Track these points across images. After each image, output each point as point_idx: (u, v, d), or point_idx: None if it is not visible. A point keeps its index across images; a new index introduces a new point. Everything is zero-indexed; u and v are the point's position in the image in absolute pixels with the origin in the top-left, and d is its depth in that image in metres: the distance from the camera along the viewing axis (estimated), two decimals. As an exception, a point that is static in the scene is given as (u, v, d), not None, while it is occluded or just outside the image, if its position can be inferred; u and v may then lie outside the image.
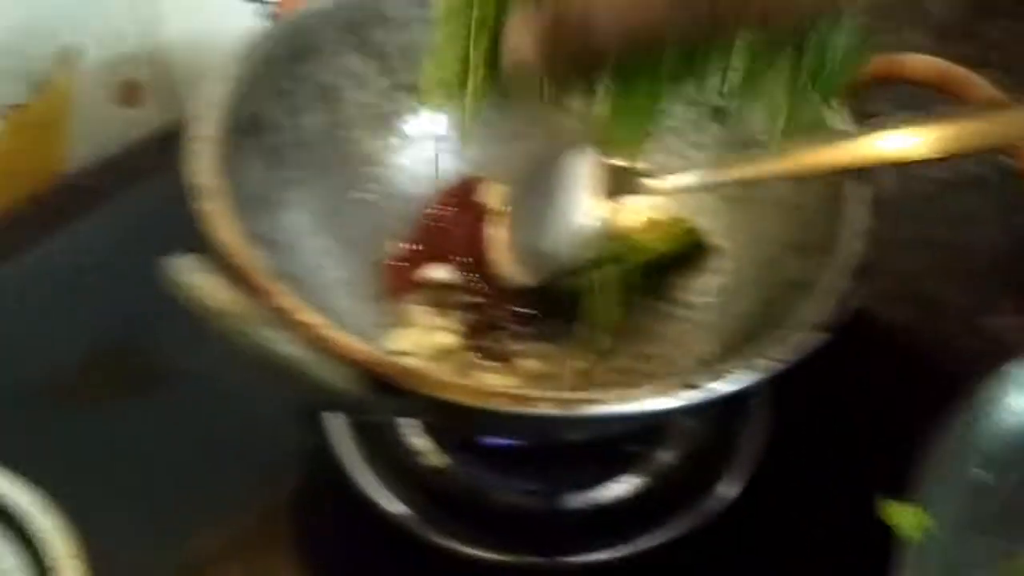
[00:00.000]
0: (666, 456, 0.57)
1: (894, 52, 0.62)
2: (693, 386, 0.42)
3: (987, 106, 0.48)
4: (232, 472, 0.58)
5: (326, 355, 0.39)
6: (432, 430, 0.57)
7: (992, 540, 0.47)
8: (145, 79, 0.75)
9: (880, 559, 0.50)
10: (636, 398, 0.41)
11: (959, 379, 0.63)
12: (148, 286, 0.64)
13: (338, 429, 0.57)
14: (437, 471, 0.56)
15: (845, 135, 0.52)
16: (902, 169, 0.77)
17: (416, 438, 0.57)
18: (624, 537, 0.54)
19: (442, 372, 0.42)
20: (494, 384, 0.41)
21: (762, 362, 0.42)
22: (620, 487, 0.56)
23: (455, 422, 0.49)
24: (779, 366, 0.43)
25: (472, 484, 0.56)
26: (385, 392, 0.41)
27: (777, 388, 0.59)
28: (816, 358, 0.62)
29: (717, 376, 0.42)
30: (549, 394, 0.41)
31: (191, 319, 0.60)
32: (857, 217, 0.48)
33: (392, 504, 0.55)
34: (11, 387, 0.60)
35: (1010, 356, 0.65)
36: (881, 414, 0.62)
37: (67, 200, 0.72)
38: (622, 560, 0.53)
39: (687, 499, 0.55)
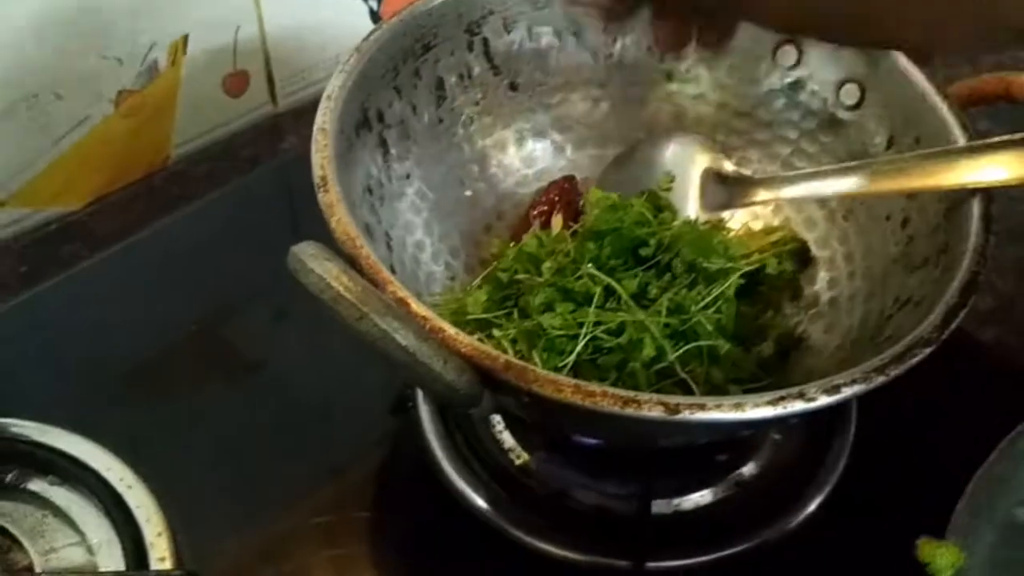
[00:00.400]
0: (751, 468, 0.57)
1: (1003, 70, 0.62)
2: (800, 396, 0.41)
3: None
4: (318, 457, 0.59)
5: (438, 347, 0.40)
6: (519, 427, 0.57)
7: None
8: (250, 70, 0.76)
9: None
10: (743, 407, 0.41)
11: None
12: (245, 273, 0.67)
13: (427, 420, 0.58)
14: (523, 468, 0.57)
15: (958, 152, 0.51)
16: (1001, 190, 0.76)
17: (504, 433, 0.58)
18: (706, 545, 0.54)
19: (551, 373, 0.42)
20: (601, 385, 0.40)
21: (867, 374, 0.42)
22: (705, 496, 0.56)
23: (556, 418, 0.49)
24: (883, 378, 0.42)
25: (557, 483, 0.56)
26: (491, 386, 0.42)
27: (863, 401, 0.59)
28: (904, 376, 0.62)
29: (823, 390, 0.42)
30: (655, 397, 0.41)
31: (287, 306, 0.64)
32: (972, 233, 0.48)
33: (476, 498, 0.55)
34: (110, 366, 0.62)
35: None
36: (965, 435, 0.61)
37: (172, 185, 0.75)
38: (703, 567, 0.53)
39: (769, 511, 0.55)
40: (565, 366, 0.48)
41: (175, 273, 0.68)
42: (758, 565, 0.54)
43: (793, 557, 0.55)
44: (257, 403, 0.61)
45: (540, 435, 0.57)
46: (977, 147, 0.50)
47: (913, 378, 0.62)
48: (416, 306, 0.43)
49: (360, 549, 0.56)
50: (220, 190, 0.74)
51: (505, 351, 0.49)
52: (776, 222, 0.60)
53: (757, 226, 0.60)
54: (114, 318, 0.65)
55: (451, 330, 0.42)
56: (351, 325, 0.39)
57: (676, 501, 0.56)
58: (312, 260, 0.39)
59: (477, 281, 0.55)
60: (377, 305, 0.38)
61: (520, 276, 0.52)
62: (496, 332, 0.51)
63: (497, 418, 0.58)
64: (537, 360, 0.49)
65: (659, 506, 0.55)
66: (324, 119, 0.49)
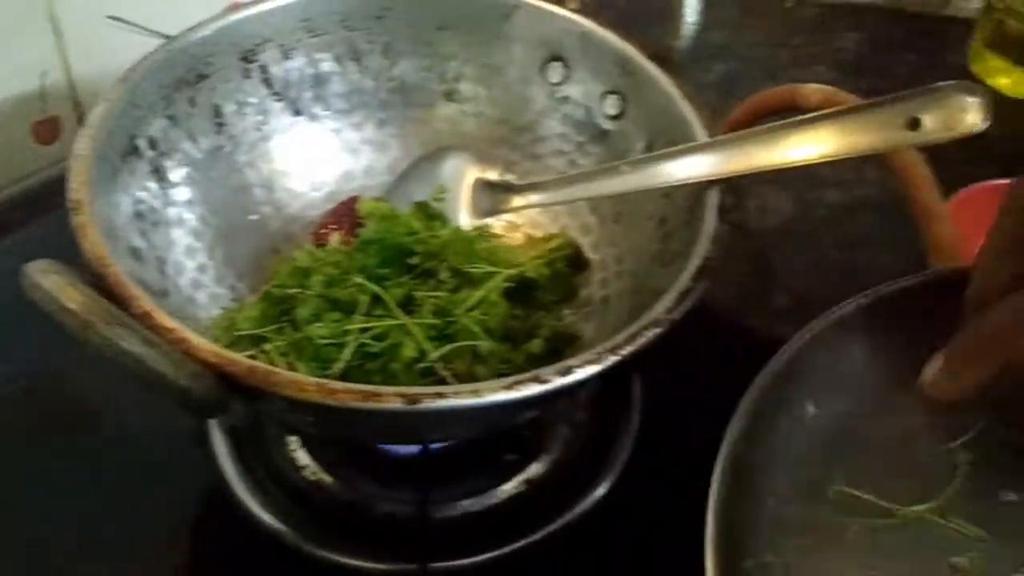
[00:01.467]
0: (540, 466, 0.59)
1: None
2: (536, 380, 0.43)
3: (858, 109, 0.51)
4: (117, 498, 0.58)
5: (167, 352, 0.41)
6: (315, 444, 0.58)
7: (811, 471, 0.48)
8: (61, 115, 0.77)
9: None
10: (480, 392, 0.43)
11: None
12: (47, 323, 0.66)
13: (221, 446, 0.58)
14: (318, 486, 0.58)
15: (710, 147, 0.54)
16: (798, 196, 0.81)
17: (299, 452, 0.59)
18: (493, 542, 0.55)
19: (289, 371, 0.43)
20: (342, 383, 0.42)
21: (599, 355, 0.44)
22: (493, 496, 0.58)
23: (314, 422, 0.50)
24: (615, 358, 0.44)
25: (349, 496, 0.57)
26: (236, 391, 0.43)
27: (649, 394, 0.62)
28: (697, 369, 0.65)
29: (557, 371, 0.44)
30: (395, 389, 0.42)
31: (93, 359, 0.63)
32: (707, 222, 0.51)
33: (274, 519, 0.56)
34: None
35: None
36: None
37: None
38: (487, 564, 0.55)
39: (555, 505, 0.57)
40: (331, 374, 0.50)
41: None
42: (544, 557, 0.56)
43: (579, 546, 0.56)
44: (60, 453, 0.60)
45: (333, 450, 0.59)
46: (711, 143, 0.53)
47: (706, 369, 0.65)
48: (162, 319, 0.44)
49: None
50: (37, 238, 0.74)
51: (274, 364, 0.50)
52: (555, 230, 0.63)
53: (538, 234, 0.63)
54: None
55: (194, 339, 0.43)
56: (79, 336, 0.40)
57: (466, 503, 0.57)
58: (40, 275, 0.40)
59: (252, 299, 0.56)
60: (103, 315, 0.40)
61: (292, 291, 0.54)
62: (267, 346, 0.52)
63: (294, 438, 0.59)
64: (303, 370, 0.50)
65: (446, 509, 0.57)
66: (81, 146, 0.50)
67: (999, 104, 0.48)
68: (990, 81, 0.90)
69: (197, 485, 0.59)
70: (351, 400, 0.42)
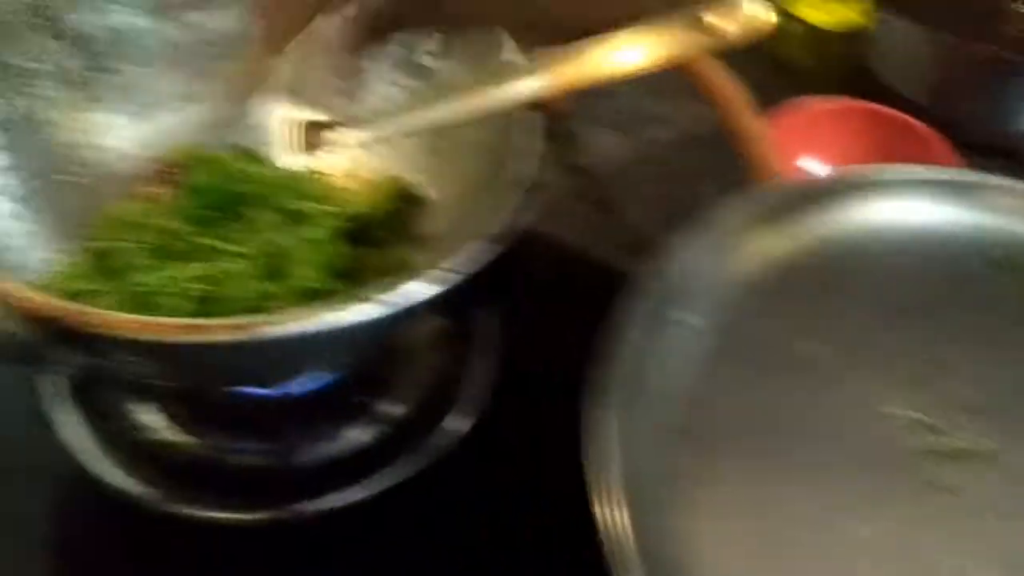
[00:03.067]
0: (394, 406, 0.59)
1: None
2: (367, 299, 0.43)
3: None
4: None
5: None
6: (161, 405, 0.57)
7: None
8: None
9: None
10: (309, 317, 0.42)
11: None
12: None
13: (70, 427, 0.56)
14: (172, 445, 0.57)
15: (525, 68, 0.55)
16: (630, 136, 0.83)
17: (147, 415, 0.57)
18: (354, 483, 0.55)
19: (109, 311, 0.42)
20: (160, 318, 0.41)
21: (443, 275, 0.44)
22: (349, 438, 0.57)
23: (145, 367, 0.49)
24: (454, 276, 0.45)
25: (207, 453, 0.56)
26: (60, 339, 0.42)
27: (504, 335, 0.62)
28: (548, 305, 0.66)
29: (388, 288, 0.44)
30: (222, 321, 0.41)
31: None
32: (526, 143, 0.51)
33: (128, 482, 0.54)
34: None
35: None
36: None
37: None
38: (355, 504, 0.55)
39: (414, 443, 0.57)
40: None
41: None
42: (402, 496, 0.56)
43: (444, 481, 0.57)
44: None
45: (180, 408, 0.57)
46: (524, 66, 0.54)
47: (563, 306, 0.66)
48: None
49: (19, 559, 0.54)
50: None
51: None
52: (384, 170, 0.63)
53: (367, 176, 0.62)
54: None
55: (10, 284, 0.41)
56: None
57: (322, 446, 0.57)
58: None
59: (76, 259, 0.55)
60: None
61: (116, 243, 0.52)
62: (99, 301, 0.50)
63: (143, 403, 0.58)
64: None
65: (305, 455, 0.56)
66: None
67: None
68: (793, 10, 0.92)
69: (48, 467, 0.57)
70: (176, 334, 0.41)
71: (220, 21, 0.64)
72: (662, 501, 0.42)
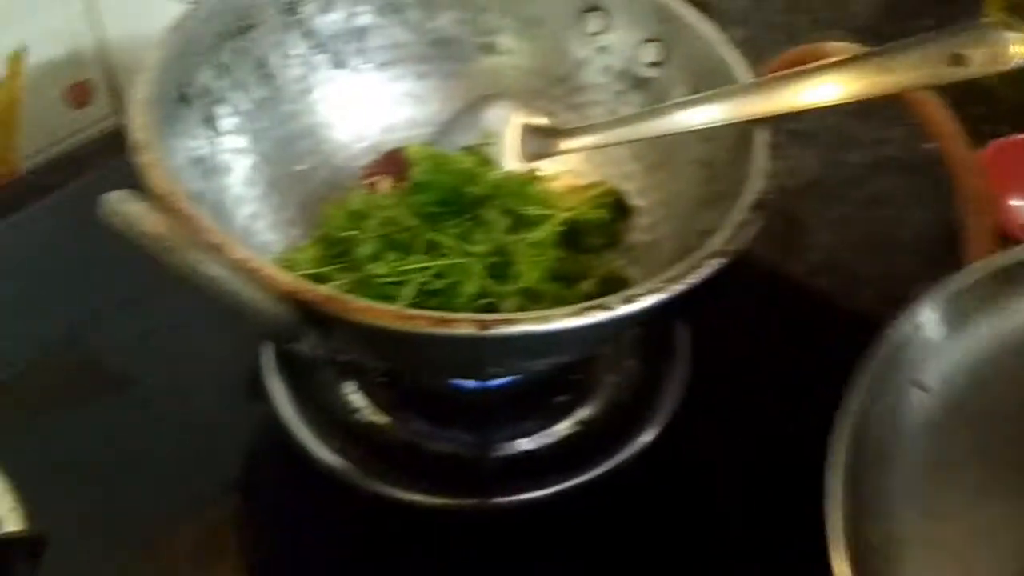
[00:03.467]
0: (591, 408, 0.60)
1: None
2: (602, 307, 0.44)
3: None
4: (183, 451, 0.59)
5: (249, 277, 0.41)
6: (370, 387, 0.59)
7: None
8: (94, 79, 0.77)
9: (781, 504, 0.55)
10: (548, 318, 0.44)
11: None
12: (96, 281, 0.67)
13: (282, 398, 0.59)
14: (375, 427, 0.59)
15: (753, 87, 0.55)
16: (826, 155, 0.82)
17: (355, 395, 0.60)
18: (548, 480, 0.56)
19: (367, 300, 0.44)
20: (415, 309, 0.43)
21: (662, 284, 0.45)
22: (548, 436, 0.59)
23: (382, 352, 0.51)
24: (679, 287, 0.45)
25: (408, 436, 0.58)
26: (309, 318, 0.44)
27: (697, 344, 0.63)
28: (737, 320, 0.66)
29: (623, 299, 0.45)
30: (467, 315, 0.43)
31: (151, 312, 0.64)
32: (758, 160, 0.52)
33: (334, 458, 0.57)
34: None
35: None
36: (796, 373, 0.65)
37: (22, 199, 0.74)
38: (545, 500, 0.56)
39: (605, 446, 0.58)
40: None
41: (25, 286, 0.67)
42: (598, 495, 0.57)
43: (630, 486, 0.58)
44: (118, 405, 0.62)
45: (390, 393, 0.60)
46: (768, 81, 0.54)
47: (749, 321, 0.67)
48: (237, 249, 0.44)
49: (227, 522, 0.57)
50: (71, 200, 0.74)
51: None
52: (596, 178, 0.64)
53: (580, 183, 0.64)
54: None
55: (270, 268, 0.44)
56: (162, 260, 0.40)
57: (521, 442, 0.58)
58: (120, 203, 0.40)
59: (306, 243, 0.57)
60: (185, 240, 0.40)
61: (347, 233, 0.54)
62: (329, 285, 0.52)
63: (349, 382, 0.60)
64: None
65: (504, 448, 0.58)
66: (140, 91, 0.51)
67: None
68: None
69: (258, 433, 0.61)
70: (425, 326, 0.43)
71: (445, 22, 0.66)
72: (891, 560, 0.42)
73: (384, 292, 0.51)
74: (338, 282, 0.52)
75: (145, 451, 0.59)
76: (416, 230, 0.53)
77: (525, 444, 0.58)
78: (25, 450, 0.57)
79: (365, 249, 0.53)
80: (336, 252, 0.55)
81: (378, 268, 0.52)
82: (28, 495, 0.53)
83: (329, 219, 0.57)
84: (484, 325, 0.43)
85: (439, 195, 0.55)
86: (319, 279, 0.52)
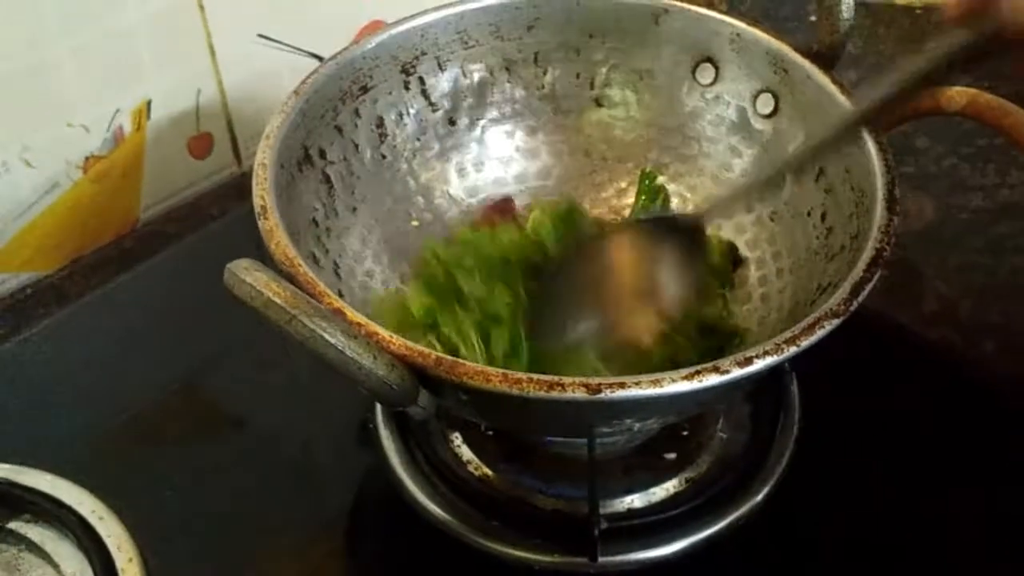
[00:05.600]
0: (699, 466, 0.59)
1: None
2: (716, 370, 0.44)
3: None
4: (291, 491, 0.61)
5: (367, 345, 0.42)
6: (477, 440, 0.60)
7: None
8: (214, 132, 0.80)
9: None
10: (661, 382, 0.43)
11: (1002, 396, 0.65)
12: (214, 327, 0.70)
13: (389, 445, 0.60)
14: (481, 479, 0.59)
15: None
16: (942, 200, 0.80)
17: (462, 447, 0.60)
18: (655, 541, 0.56)
19: (474, 363, 0.44)
20: (526, 373, 0.43)
21: (778, 345, 0.44)
22: (656, 493, 0.58)
23: (493, 413, 0.52)
24: (794, 348, 0.45)
25: (514, 491, 0.58)
26: (426, 384, 0.45)
27: (807, 398, 0.62)
28: (849, 372, 0.65)
29: (738, 362, 0.44)
30: (578, 379, 0.43)
31: (265, 358, 0.66)
32: (878, 215, 0.51)
33: (439, 510, 0.57)
34: (91, 418, 0.64)
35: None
36: (911, 429, 0.64)
37: (143, 246, 0.78)
38: (656, 561, 0.55)
39: (717, 505, 0.57)
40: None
41: (147, 331, 0.70)
42: (707, 557, 0.56)
43: (740, 548, 0.57)
44: (233, 449, 0.64)
45: (497, 446, 0.60)
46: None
47: (861, 373, 0.65)
48: (351, 314, 0.45)
49: (331, 569, 0.59)
50: (190, 249, 0.77)
51: (453, 343, 0.53)
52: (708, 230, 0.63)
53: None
54: (92, 374, 0.67)
55: (384, 332, 0.45)
56: (283, 328, 0.41)
57: (628, 499, 0.58)
58: (244, 272, 0.42)
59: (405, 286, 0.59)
60: (306, 308, 0.41)
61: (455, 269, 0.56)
62: (443, 329, 0.54)
63: (456, 433, 0.60)
64: (477, 350, 0.52)
65: (611, 505, 0.57)
66: (263, 155, 0.53)
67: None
68: None
69: (365, 480, 0.62)
70: (535, 390, 0.43)
71: (556, 77, 0.67)
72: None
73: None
74: (446, 327, 0.53)
75: (256, 493, 0.61)
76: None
77: (632, 502, 0.58)
78: (140, 493, 0.59)
79: (470, 281, 0.54)
80: (443, 293, 0.56)
81: (487, 306, 0.52)
82: (143, 538, 0.55)
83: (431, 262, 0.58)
84: (595, 390, 0.43)
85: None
86: (432, 326, 0.54)
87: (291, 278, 0.47)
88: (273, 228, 0.49)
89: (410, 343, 0.44)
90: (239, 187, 0.82)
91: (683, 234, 0.55)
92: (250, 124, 0.81)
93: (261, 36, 0.78)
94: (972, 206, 0.80)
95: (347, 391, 0.62)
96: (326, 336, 0.41)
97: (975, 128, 0.81)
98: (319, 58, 0.80)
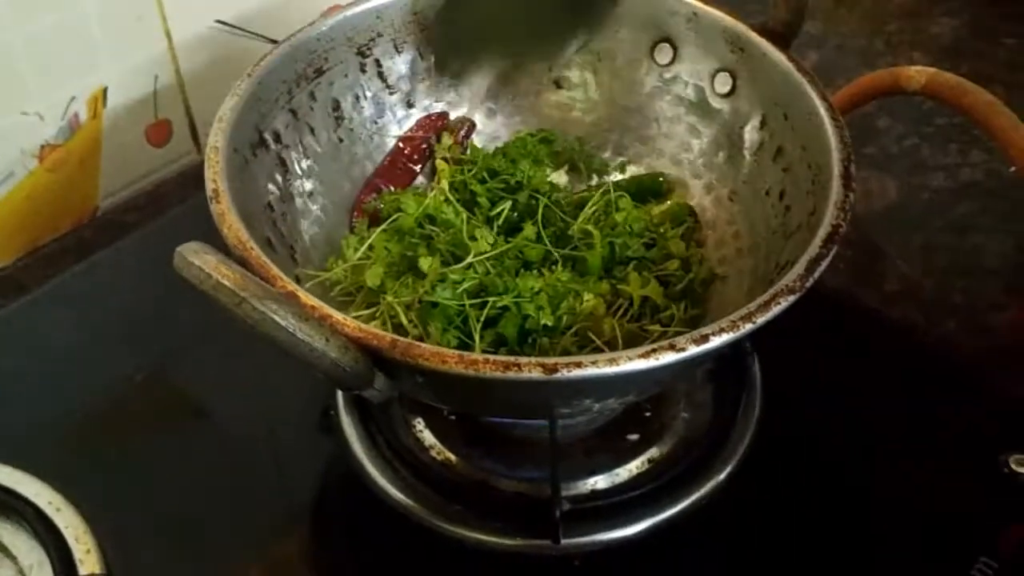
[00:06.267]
0: (662, 447, 0.59)
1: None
2: (672, 348, 0.44)
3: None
4: (253, 481, 0.61)
5: (319, 327, 0.42)
6: (439, 425, 0.59)
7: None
8: (172, 119, 0.79)
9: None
10: (617, 360, 0.43)
11: (962, 373, 0.66)
12: (174, 317, 0.69)
13: (351, 432, 0.60)
14: (444, 464, 0.59)
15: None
16: (904, 180, 0.80)
17: (424, 432, 0.60)
18: (619, 522, 0.56)
19: (430, 344, 0.44)
20: (482, 354, 0.43)
21: (734, 323, 0.44)
22: (619, 475, 0.58)
23: (450, 394, 0.51)
24: (750, 325, 0.44)
25: (476, 475, 0.58)
26: (382, 366, 0.44)
27: (769, 377, 0.62)
28: (810, 351, 0.65)
29: (694, 339, 0.44)
30: (534, 360, 0.43)
31: (225, 347, 0.65)
32: (834, 191, 0.51)
33: (403, 495, 0.57)
34: (44, 409, 0.64)
35: (1013, 353, 0.67)
36: (872, 407, 0.64)
37: (102, 236, 0.77)
38: (620, 542, 0.55)
39: (680, 485, 0.57)
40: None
41: (105, 321, 0.69)
42: (670, 536, 0.56)
43: (703, 527, 0.57)
44: (192, 435, 0.63)
45: (458, 431, 0.60)
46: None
47: (823, 352, 0.65)
48: (304, 297, 0.45)
49: (295, 557, 0.58)
50: (148, 236, 0.76)
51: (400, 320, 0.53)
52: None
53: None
54: (50, 366, 0.66)
55: (338, 315, 0.44)
56: (232, 311, 0.41)
57: (591, 481, 0.58)
58: (192, 255, 0.41)
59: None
60: (255, 290, 0.41)
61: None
62: (389, 298, 0.54)
63: (418, 419, 0.60)
64: (434, 331, 0.52)
65: (574, 487, 0.57)
66: (216, 139, 0.52)
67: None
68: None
69: (328, 467, 0.61)
70: (491, 370, 0.43)
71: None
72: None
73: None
74: (397, 298, 0.53)
75: (218, 482, 0.60)
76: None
77: (595, 483, 0.58)
78: (100, 484, 0.59)
79: (426, 262, 0.54)
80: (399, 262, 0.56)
81: (442, 294, 0.52)
82: (102, 530, 0.55)
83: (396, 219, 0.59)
84: (551, 369, 0.43)
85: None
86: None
87: (243, 262, 0.46)
88: (225, 212, 0.49)
89: (364, 325, 0.44)
90: (199, 175, 0.79)
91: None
92: (209, 111, 0.78)
93: (218, 22, 0.77)
94: (934, 186, 0.80)
95: (308, 379, 0.62)
96: (276, 319, 0.40)
97: (935, 108, 0.82)
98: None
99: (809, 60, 0.91)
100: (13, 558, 0.54)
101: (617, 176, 0.65)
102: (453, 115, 0.67)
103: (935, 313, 0.71)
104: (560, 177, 0.65)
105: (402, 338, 0.44)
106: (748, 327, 0.45)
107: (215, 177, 0.50)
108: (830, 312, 0.68)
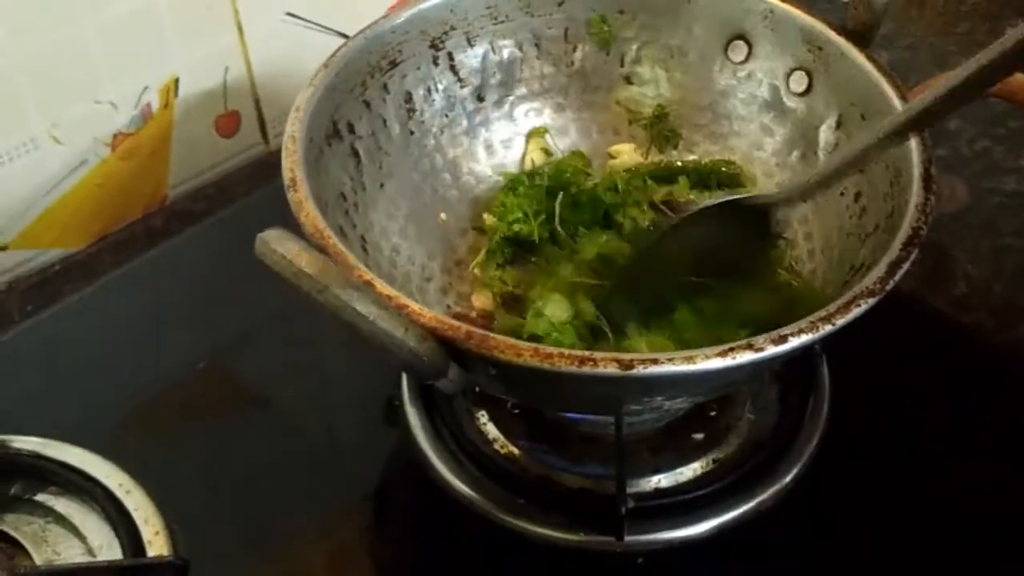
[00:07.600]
0: (727, 447, 0.59)
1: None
2: (750, 347, 0.43)
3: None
4: (317, 470, 0.61)
5: (398, 315, 0.42)
6: (503, 418, 0.60)
7: None
8: (241, 110, 0.80)
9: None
10: (694, 359, 0.43)
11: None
12: (241, 305, 0.70)
13: (416, 423, 0.60)
14: (507, 457, 0.59)
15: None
16: (975, 183, 0.79)
17: (488, 425, 0.60)
18: (682, 521, 0.55)
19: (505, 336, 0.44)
20: (557, 348, 0.43)
21: (813, 324, 0.44)
22: (683, 473, 0.58)
23: (523, 388, 0.51)
24: (829, 327, 0.44)
25: (540, 469, 0.58)
26: (456, 358, 0.44)
27: (837, 380, 0.61)
28: (879, 355, 0.64)
29: (772, 340, 0.43)
30: (610, 355, 0.43)
31: (292, 335, 0.66)
32: (914, 193, 0.50)
33: (465, 487, 0.57)
34: (114, 392, 0.65)
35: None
36: (941, 411, 0.63)
37: (170, 224, 0.78)
38: (683, 541, 0.55)
39: (744, 486, 0.57)
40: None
41: (173, 309, 0.71)
42: (734, 538, 0.56)
43: (768, 530, 0.56)
44: (260, 424, 0.64)
45: (523, 424, 0.60)
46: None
47: (891, 356, 0.64)
48: (381, 286, 0.45)
49: (357, 545, 0.59)
50: (217, 227, 0.77)
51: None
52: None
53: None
54: (119, 350, 0.68)
55: (414, 305, 0.44)
56: (315, 298, 0.41)
57: (655, 479, 0.57)
58: (275, 242, 0.41)
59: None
60: (337, 278, 0.41)
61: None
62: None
63: (482, 412, 0.60)
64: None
65: (638, 485, 0.57)
66: (293, 128, 0.53)
67: None
68: None
69: (391, 457, 0.62)
70: (566, 364, 0.43)
71: (583, 54, 0.66)
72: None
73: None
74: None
75: (281, 469, 0.61)
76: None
77: (659, 481, 0.57)
78: (168, 467, 0.59)
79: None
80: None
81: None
82: (170, 512, 0.56)
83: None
84: (627, 365, 0.42)
85: None
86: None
87: (320, 250, 0.47)
88: (303, 200, 0.49)
89: (441, 316, 0.44)
90: (267, 166, 0.82)
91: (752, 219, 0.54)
92: (277, 103, 0.81)
93: (289, 14, 0.78)
94: (1006, 189, 0.79)
95: (374, 369, 0.63)
96: (358, 307, 0.41)
97: (1008, 109, 0.80)
98: (347, 37, 0.79)
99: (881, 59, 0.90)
100: (83, 537, 0.55)
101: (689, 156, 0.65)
102: (522, 108, 0.66)
103: (1005, 317, 0.69)
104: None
105: (477, 329, 0.44)
106: (828, 328, 0.44)
107: (292, 166, 0.51)
108: (899, 315, 0.67)
